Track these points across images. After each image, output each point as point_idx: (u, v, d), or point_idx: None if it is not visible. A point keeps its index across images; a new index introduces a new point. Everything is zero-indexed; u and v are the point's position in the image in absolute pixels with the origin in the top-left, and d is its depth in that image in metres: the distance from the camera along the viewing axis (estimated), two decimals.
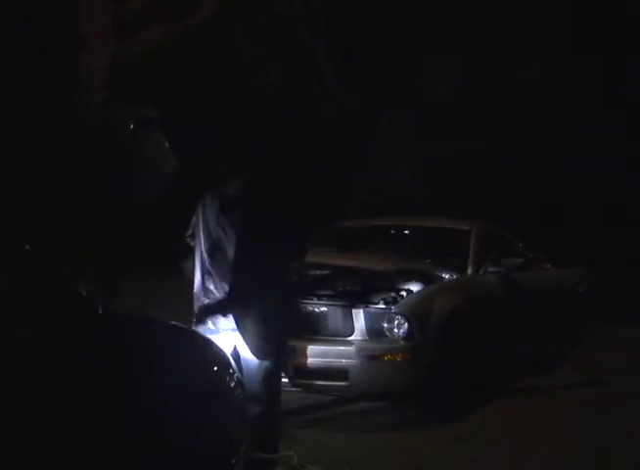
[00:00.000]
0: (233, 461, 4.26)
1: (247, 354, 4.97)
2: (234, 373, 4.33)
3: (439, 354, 6.79)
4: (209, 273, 5.03)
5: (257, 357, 5.03)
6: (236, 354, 4.98)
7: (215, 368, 4.18)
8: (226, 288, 4.94)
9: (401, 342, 6.68)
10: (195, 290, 5.10)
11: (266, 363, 4.98)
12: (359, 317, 6.68)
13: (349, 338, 6.68)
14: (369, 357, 6.63)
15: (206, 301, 5.04)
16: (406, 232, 8.83)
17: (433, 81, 13.15)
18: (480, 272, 7.92)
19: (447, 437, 6.35)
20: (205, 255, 5.03)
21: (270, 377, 5.02)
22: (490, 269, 8.01)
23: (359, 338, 6.67)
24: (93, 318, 3.47)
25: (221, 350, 4.43)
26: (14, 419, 3.07)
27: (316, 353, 6.56)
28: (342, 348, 6.62)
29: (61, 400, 3.23)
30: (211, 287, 5.02)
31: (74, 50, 7.54)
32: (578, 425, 6.77)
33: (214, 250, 5.00)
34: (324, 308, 6.72)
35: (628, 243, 14.71)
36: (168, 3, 8.23)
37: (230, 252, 4.95)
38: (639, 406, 7.32)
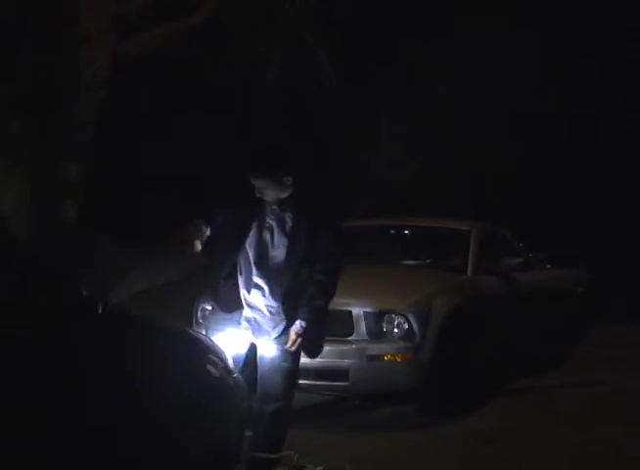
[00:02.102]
0: (232, 461, 4.26)
1: (265, 354, 4.99)
2: (233, 373, 4.33)
3: (439, 354, 6.79)
4: (258, 286, 5.00)
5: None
6: (251, 354, 5.01)
7: (213, 368, 4.18)
8: (279, 291, 4.96)
9: (401, 342, 6.68)
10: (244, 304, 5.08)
11: (285, 363, 5.00)
12: (359, 317, 6.68)
13: (349, 338, 6.68)
14: (369, 357, 6.62)
15: (258, 317, 5.02)
16: (406, 232, 8.84)
17: (434, 81, 13.15)
18: (480, 272, 7.92)
19: (447, 437, 6.35)
20: (253, 267, 4.99)
21: (290, 376, 5.04)
22: (490, 269, 8.01)
23: (359, 338, 6.67)
24: (93, 318, 3.47)
25: (220, 349, 4.42)
26: (13, 419, 3.07)
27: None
28: (342, 348, 6.61)
29: (60, 400, 3.23)
30: (261, 303, 5.00)
31: (75, 49, 7.56)
32: (578, 425, 6.76)
33: (262, 257, 4.98)
34: None
35: (629, 243, 14.72)
36: (168, 3, 8.26)
37: (279, 252, 4.95)
38: (639, 406, 7.32)
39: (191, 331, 4.63)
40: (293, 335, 4.91)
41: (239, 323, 5.05)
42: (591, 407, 7.33)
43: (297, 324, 4.92)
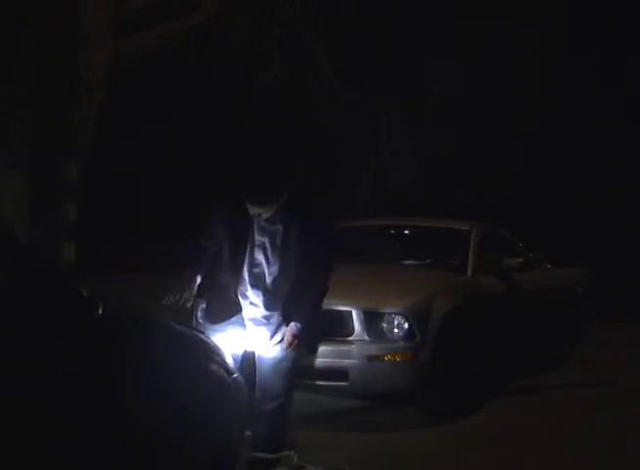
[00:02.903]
0: (231, 461, 4.26)
1: (264, 354, 5.02)
2: (233, 373, 4.33)
3: (439, 354, 6.79)
4: (254, 303, 5.07)
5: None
6: (249, 355, 5.05)
7: (213, 368, 4.18)
8: (278, 301, 5.01)
9: (401, 342, 6.68)
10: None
11: (286, 363, 5.03)
12: (359, 317, 6.68)
13: (349, 338, 6.68)
14: (369, 357, 6.62)
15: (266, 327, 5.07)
16: (406, 232, 8.84)
17: (434, 81, 13.16)
18: (480, 272, 7.92)
19: (447, 437, 6.35)
20: (249, 287, 5.05)
21: (289, 376, 5.07)
22: (490, 269, 8.01)
23: (359, 338, 6.67)
24: (92, 318, 3.47)
25: (220, 349, 4.42)
26: (12, 420, 3.07)
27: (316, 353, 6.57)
28: (342, 348, 6.62)
29: (60, 401, 3.23)
30: (259, 316, 5.06)
31: (75, 49, 7.56)
32: (578, 425, 6.77)
33: (258, 278, 5.03)
34: (324, 309, 6.70)
35: (629, 243, 14.73)
36: (168, 3, 8.26)
37: (275, 268, 4.98)
38: (639, 406, 7.33)
39: (191, 331, 4.63)
40: (289, 337, 4.98)
41: (238, 324, 5.08)
42: (591, 407, 7.33)
43: (293, 326, 4.98)
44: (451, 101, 13.30)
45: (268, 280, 4.99)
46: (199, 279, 5.06)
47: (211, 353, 4.25)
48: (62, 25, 7.45)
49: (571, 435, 6.47)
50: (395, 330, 6.70)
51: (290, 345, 4.98)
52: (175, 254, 5.66)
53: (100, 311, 3.47)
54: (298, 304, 4.99)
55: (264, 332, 5.04)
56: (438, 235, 8.61)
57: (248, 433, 4.78)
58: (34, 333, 3.28)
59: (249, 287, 5.03)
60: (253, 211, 4.91)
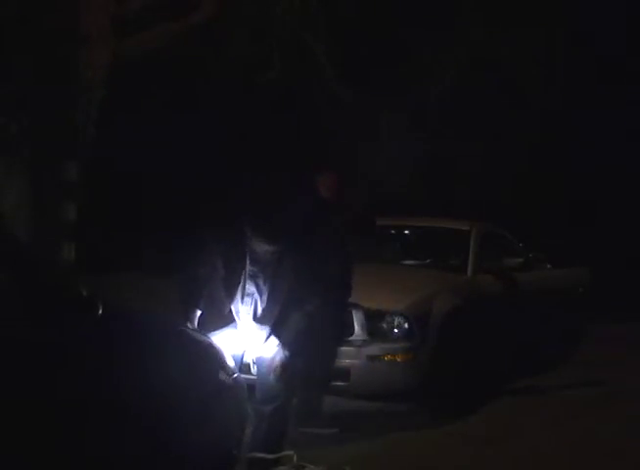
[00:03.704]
0: (232, 462, 4.27)
1: (263, 354, 5.03)
2: (233, 373, 4.33)
3: (439, 354, 6.79)
4: (245, 326, 5.12)
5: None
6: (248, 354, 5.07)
7: (213, 369, 4.18)
8: (269, 322, 5.03)
9: (401, 342, 6.68)
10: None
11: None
12: (359, 317, 6.68)
13: (350, 338, 6.68)
14: (369, 357, 6.62)
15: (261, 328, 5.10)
16: (406, 232, 8.84)
17: (434, 81, 13.15)
18: (480, 272, 7.92)
19: (447, 437, 6.34)
20: (239, 317, 5.10)
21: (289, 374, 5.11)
22: (490, 269, 8.01)
23: (359, 338, 6.67)
24: (92, 318, 3.47)
25: (219, 349, 4.43)
26: (13, 419, 3.06)
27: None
28: (342, 348, 6.61)
29: (60, 400, 3.23)
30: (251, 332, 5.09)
31: (75, 49, 7.55)
32: (578, 425, 6.76)
33: (249, 308, 5.08)
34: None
35: (629, 243, 14.73)
36: (168, 3, 8.25)
37: (266, 296, 5.01)
38: (639, 406, 7.32)
39: (191, 332, 4.63)
40: (279, 368, 4.97)
41: (235, 327, 5.11)
42: (591, 407, 7.33)
43: (282, 354, 4.97)
44: (452, 101, 13.29)
45: (259, 308, 5.03)
46: (199, 312, 5.06)
47: (211, 354, 4.26)
48: (62, 25, 7.44)
49: (571, 435, 6.46)
50: (395, 330, 6.70)
51: (280, 374, 4.98)
52: (174, 254, 5.66)
53: (100, 311, 3.47)
54: (284, 329, 4.97)
55: (260, 334, 5.04)
56: (438, 235, 8.61)
57: (247, 433, 4.78)
58: (34, 333, 3.28)
59: (240, 313, 5.08)
60: (262, 248, 4.93)
